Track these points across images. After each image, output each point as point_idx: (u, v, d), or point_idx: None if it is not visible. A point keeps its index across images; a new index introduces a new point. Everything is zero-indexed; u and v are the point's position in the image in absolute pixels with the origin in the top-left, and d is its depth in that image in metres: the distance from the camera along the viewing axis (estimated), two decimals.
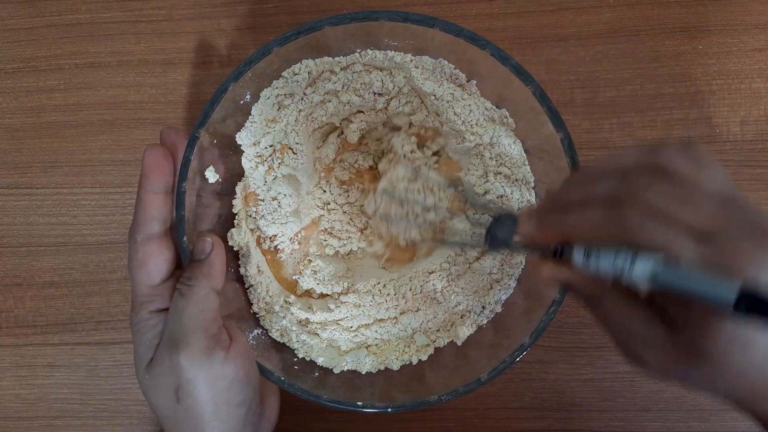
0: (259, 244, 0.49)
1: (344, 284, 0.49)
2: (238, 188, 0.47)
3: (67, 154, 0.54)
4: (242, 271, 0.47)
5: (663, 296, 0.27)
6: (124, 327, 0.53)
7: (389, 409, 0.43)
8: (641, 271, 0.25)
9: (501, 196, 0.47)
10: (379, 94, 0.47)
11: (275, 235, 0.48)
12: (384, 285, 0.48)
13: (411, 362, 0.48)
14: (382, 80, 0.46)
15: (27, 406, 0.53)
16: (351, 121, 0.49)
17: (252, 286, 0.48)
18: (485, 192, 0.47)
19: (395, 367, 0.48)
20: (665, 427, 0.52)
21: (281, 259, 0.50)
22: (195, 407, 0.35)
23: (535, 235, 0.31)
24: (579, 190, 0.29)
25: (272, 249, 0.49)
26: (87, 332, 0.53)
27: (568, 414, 0.52)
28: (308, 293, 0.50)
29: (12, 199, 0.55)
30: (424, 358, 0.48)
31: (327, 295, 0.49)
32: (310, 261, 0.50)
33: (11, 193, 0.55)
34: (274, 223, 0.48)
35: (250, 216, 0.48)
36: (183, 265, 0.40)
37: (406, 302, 0.48)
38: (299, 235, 0.50)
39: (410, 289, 0.48)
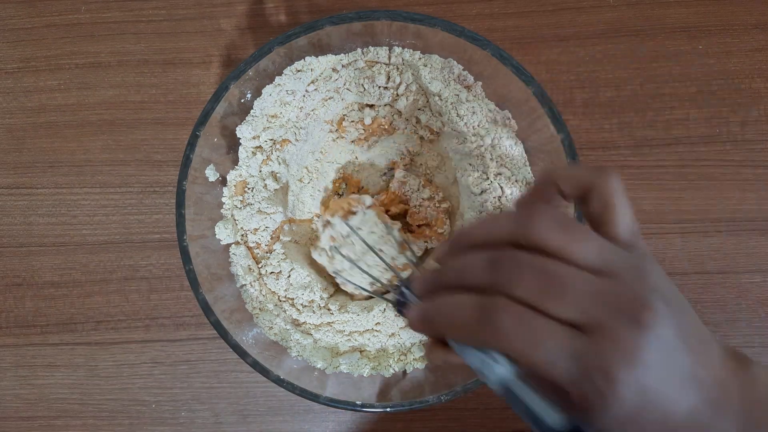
0: (248, 248, 0.48)
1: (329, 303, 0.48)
2: (230, 176, 0.47)
3: (67, 154, 0.54)
4: (233, 270, 0.47)
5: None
6: (124, 327, 0.53)
7: (388, 409, 0.43)
8: (497, 376, 0.26)
9: (499, 197, 0.47)
10: (384, 88, 0.47)
11: (256, 229, 0.47)
12: (384, 310, 0.47)
13: (405, 370, 0.48)
14: (389, 74, 0.46)
15: (27, 406, 0.53)
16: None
17: (243, 285, 0.47)
18: (482, 191, 0.47)
19: (387, 374, 0.47)
20: None
21: (258, 255, 0.48)
22: None
23: (416, 329, 0.31)
24: (454, 272, 0.29)
25: (254, 245, 0.48)
26: (87, 332, 0.53)
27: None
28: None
29: (12, 199, 0.54)
30: (421, 367, 0.48)
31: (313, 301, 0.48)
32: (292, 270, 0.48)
33: (11, 193, 0.55)
34: (258, 213, 0.47)
35: (236, 207, 0.47)
36: (183, 264, 0.40)
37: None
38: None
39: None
